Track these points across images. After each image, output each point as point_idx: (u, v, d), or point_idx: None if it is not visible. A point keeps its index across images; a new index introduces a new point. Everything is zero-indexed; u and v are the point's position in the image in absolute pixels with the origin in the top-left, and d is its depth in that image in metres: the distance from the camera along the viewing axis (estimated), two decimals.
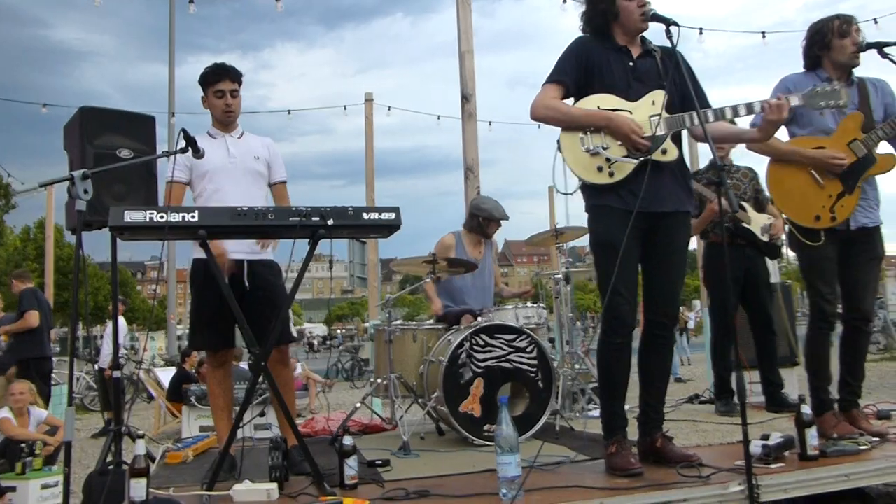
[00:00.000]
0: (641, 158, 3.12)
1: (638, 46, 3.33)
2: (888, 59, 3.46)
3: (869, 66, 3.69)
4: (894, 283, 21.66)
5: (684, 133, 3.33)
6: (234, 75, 3.86)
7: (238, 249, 3.69)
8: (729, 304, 5.01)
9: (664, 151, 3.17)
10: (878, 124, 3.67)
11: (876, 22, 8.17)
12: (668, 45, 3.10)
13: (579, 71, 3.26)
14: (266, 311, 3.59)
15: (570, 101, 3.30)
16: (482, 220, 5.55)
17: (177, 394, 8.07)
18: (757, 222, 5.15)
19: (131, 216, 2.82)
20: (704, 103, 3.29)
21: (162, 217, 2.85)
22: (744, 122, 3.51)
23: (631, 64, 3.27)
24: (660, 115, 3.16)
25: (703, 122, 3.08)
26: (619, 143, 3.15)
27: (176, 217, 2.86)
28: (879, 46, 3.51)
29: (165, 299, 20.47)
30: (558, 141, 3.21)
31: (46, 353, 7.65)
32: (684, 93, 3.19)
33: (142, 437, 2.90)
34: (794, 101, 3.22)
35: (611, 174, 3.14)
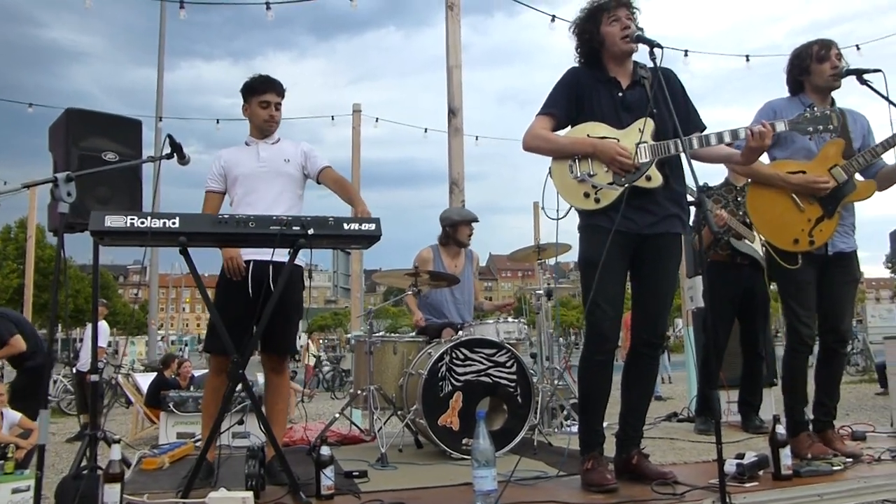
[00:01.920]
0: (626, 186, 3.16)
1: (628, 76, 3.37)
2: (867, 85, 3.51)
3: (851, 92, 3.75)
4: (874, 306, 21.87)
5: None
6: (279, 89, 3.96)
7: (263, 252, 3.62)
8: (720, 323, 5.04)
9: (648, 178, 3.21)
10: (859, 153, 3.72)
11: (858, 48, 8.29)
12: (657, 66, 3.14)
13: (570, 102, 3.33)
14: (277, 318, 3.54)
15: (565, 131, 3.35)
16: (449, 228, 5.56)
17: (155, 399, 8.01)
18: (759, 241, 5.18)
19: (112, 221, 2.81)
20: (696, 125, 3.35)
21: (143, 223, 2.84)
22: None
23: (620, 94, 3.32)
24: (644, 142, 3.20)
25: (687, 149, 3.12)
26: (606, 169, 3.20)
27: (157, 223, 2.85)
28: (858, 73, 3.56)
29: (147, 304, 20.33)
30: (549, 169, 3.29)
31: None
32: (679, 115, 3.20)
33: (117, 441, 2.88)
34: (780, 127, 3.26)
35: (597, 200, 3.20)
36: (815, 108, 3.30)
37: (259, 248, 3.69)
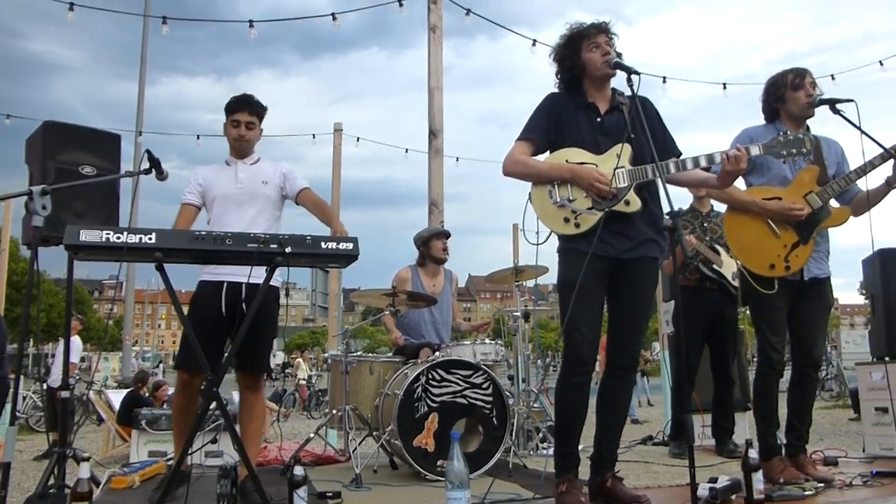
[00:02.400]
0: (605, 210, 3.19)
1: (606, 101, 3.42)
2: (839, 114, 3.57)
3: (826, 121, 3.82)
4: (848, 332, 22.10)
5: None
6: (252, 107, 3.96)
7: (237, 273, 3.62)
8: (691, 347, 5.07)
9: (627, 203, 3.25)
10: (833, 179, 3.78)
11: (833, 78, 8.47)
12: (635, 92, 3.18)
13: (549, 128, 3.36)
14: (251, 337, 3.52)
15: (544, 156, 3.38)
16: (422, 247, 5.56)
17: (127, 417, 7.89)
18: (729, 266, 5.22)
19: (87, 235, 2.78)
20: (672, 151, 3.39)
21: (118, 238, 2.81)
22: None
23: (598, 119, 3.37)
24: (622, 167, 3.24)
25: (663, 174, 3.16)
26: (585, 194, 3.24)
27: (133, 238, 2.83)
28: (831, 102, 3.62)
29: (122, 319, 20.10)
30: (529, 194, 3.32)
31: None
32: (655, 141, 3.23)
33: (87, 459, 2.83)
34: (754, 150, 3.32)
35: (576, 225, 3.23)
36: (789, 133, 3.36)
37: (236, 265, 3.68)
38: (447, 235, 5.64)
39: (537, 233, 3.33)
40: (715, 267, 5.15)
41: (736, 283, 5.20)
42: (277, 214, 3.96)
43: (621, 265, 3.27)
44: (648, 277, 3.39)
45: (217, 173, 3.94)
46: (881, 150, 3.58)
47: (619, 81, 3.36)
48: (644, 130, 3.14)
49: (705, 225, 5.23)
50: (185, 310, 3.62)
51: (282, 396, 16.92)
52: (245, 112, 3.95)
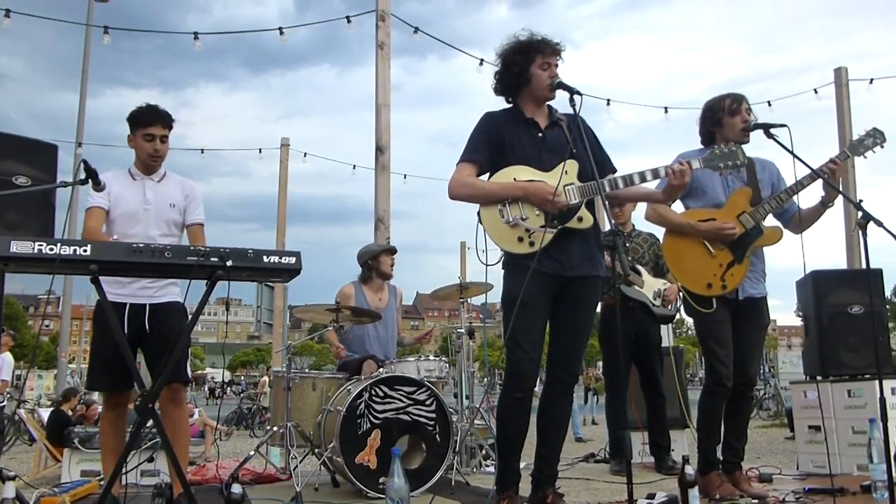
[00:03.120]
0: (558, 227, 3.21)
1: (545, 117, 3.44)
2: (773, 139, 3.69)
3: (763, 146, 3.95)
4: (785, 353, 22.71)
5: None
6: (166, 120, 3.78)
7: (139, 294, 3.67)
8: (620, 366, 5.16)
9: (580, 219, 3.28)
10: (765, 200, 3.90)
11: (770, 104, 8.76)
12: (572, 111, 3.23)
13: (491, 147, 3.35)
14: (163, 350, 3.49)
15: (486, 176, 3.38)
16: (371, 261, 5.52)
17: (57, 436, 7.64)
18: (650, 286, 5.34)
19: (18, 247, 2.69)
20: (610, 167, 3.45)
21: (51, 249, 2.73)
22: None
23: (540, 135, 3.38)
24: (572, 183, 3.27)
25: (612, 188, 3.23)
26: (538, 212, 3.23)
27: (67, 250, 2.75)
28: (765, 127, 3.74)
29: (58, 336, 19.46)
30: (478, 214, 3.28)
31: None
32: (594, 157, 3.29)
33: (12, 478, 2.73)
34: (695, 164, 3.41)
35: (531, 244, 3.22)
36: (723, 145, 3.46)
37: (175, 278, 3.63)
38: (394, 252, 5.63)
39: (486, 251, 3.32)
40: (636, 287, 5.25)
41: (657, 303, 5.33)
42: (180, 235, 3.86)
43: (567, 283, 3.29)
44: (591, 296, 3.43)
45: (123, 187, 3.75)
46: (809, 171, 3.71)
47: (556, 101, 3.41)
48: (585, 147, 3.19)
49: (626, 245, 5.34)
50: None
51: (246, 416, 16.60)
52: (159, 125, 3.76)
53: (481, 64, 7.32)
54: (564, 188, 3.25)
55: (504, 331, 3.28)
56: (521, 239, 3.23)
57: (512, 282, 3.29)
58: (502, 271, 3.41)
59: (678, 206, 4.01)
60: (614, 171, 3.47)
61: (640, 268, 5.31)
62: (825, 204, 3.84)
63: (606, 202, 3.19)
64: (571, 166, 3.31)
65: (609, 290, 5.25)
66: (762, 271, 4.00)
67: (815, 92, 9.00)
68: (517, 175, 3.29)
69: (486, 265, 3.33)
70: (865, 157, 3.83)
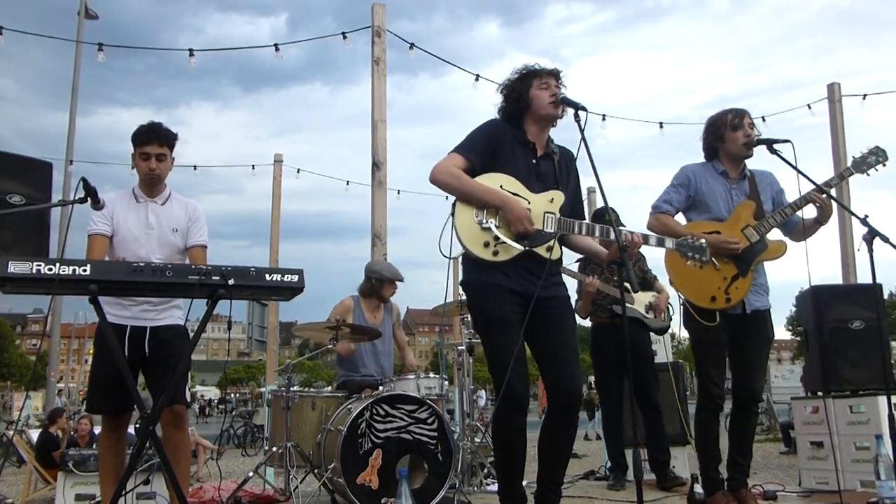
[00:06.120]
0: (527, 248, 3.17)
1: (543, 146, 3.41)
2: (776, 154, 3.69)
3: (763, 161, 3.95)
4: (777, 367, 22.75)
5: None
6: (163, 138, 3.71)
7: (140, 317, 3.65)
8: (611, 383, 5.15)
9: (549, 249, 3.23)
10: (768, 213, 3.90)
11: (764, 120, 8.77)
12: (575, 133, 3.19)
13: (486, 153, 3.29)
14: (166, 376, 3.46)
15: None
16: (375, 281, 5.50)
17: (46, 459, 7.55)
18: (640, 301, 5.35)
19: (16, 267, 2.64)
20: (578, 213, 3.46)
21: (50, 270, 2.68)
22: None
23: (534, 161, 3.36)
24: (553, 213, 3.26)
25: (588, 233, 3.26)
26: (510, 226, 3.17)
27: (66, 270, 2.69)
28: (769, 143, 3.74)
29: (47, 355, 19.29)
30: (453, 206, 3.22)
31: None
32: (569, 197, 3.33)
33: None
34: (668, 244, 3.39)
35: (495, 253, 3.15)
36: (693, 238, 3.41)
37: (176, 297, 3.59)
38: (400, 281, 5.59)
39: (451, 245, 3.24)
40: (627, 304, 5.22)
41: (650, 315, 5.32)
42: (181, 259, 3.80)
43: (539, 303, 3.16)
44: (569, 311, 3.39)
45: (126, 209, 3.71)
46: (814, 186, 3.71)
47: (556, 132, 3.42)
48: (567, 185, 3.19)
49: (612, 266, 5.27)
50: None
51: (239, 437, 16.48)
52: (154, 144, 3.69)
53: (477, 79, 7.30)
54: (545, 214, 3.23)
55: (487, 352, 3.23)
56: (486, 244, 3.15)
57: (489, 302, 3.21)
58: (464, 293, 3.37)
59: (680, 218, 4.00)
60: (582, 218, 3.43)
61: (626, 284, 5.27)
62: (819, 222, 3.85)
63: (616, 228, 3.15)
64: (558, 196, 3.30)
65: (598, 309, 5.29)
66: (763, 285, 3.97)
67: (809, 107, 9.04)
68: (504, 184, 3.23)
69: (449, 258, 3.25)
70: (868, 175, 3.84)
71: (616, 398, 5.33)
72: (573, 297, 5.24)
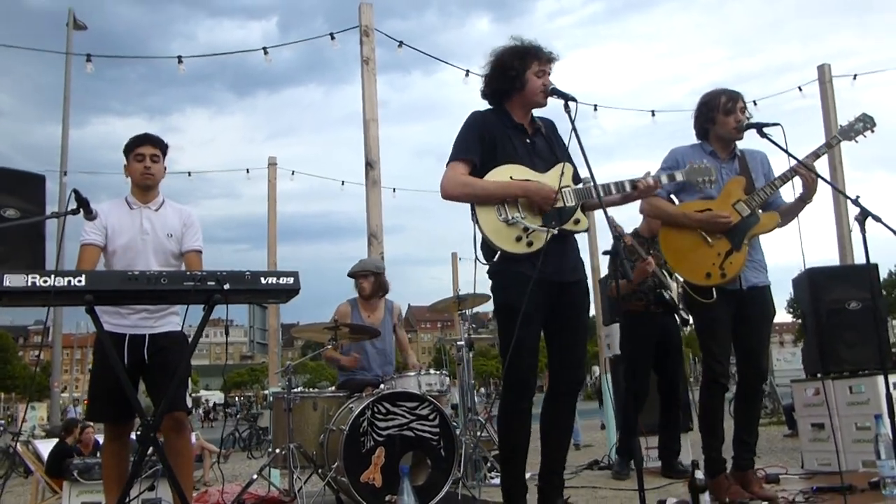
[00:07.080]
0: (558, 228, 3.19)
1: (530, 124, 3.43)
2: (766, 138, 3.70)
3: (752, 144, 3.96)
4: (778, 350, 22.77)
5: None
6: (155, 142, 3.80)
7: (139, 325, 3.66)
8: (640, 372, 5.14)
9: (577, 221, 3.28)
10: (759, 188, 3.90)
11: (755, 104, 8.76)
12: (565, 118, 3.20)
13: (483, 144, 3.30)
14: (166, 383, 3.47)
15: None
16: (354, 281, 5.54)
17: (57, 469, 7.55)
18: (675, 291, 5.32)
19: (11, 280, 2.65)
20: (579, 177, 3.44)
21: (45, 281, 2.68)
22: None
23: (528, 141, 3.37)
24: (567, 186, 3.27)
25: (607, 194, 3.24)
26: (535, 212, 3.20)
27: (61, 282, 2.70)
28: (759, 127, 3.75)
29: (49, 366, 19.30)
30: (473, 212, 3.23)
31: None
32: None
33: None
34: (663, 179, 3.49)
35: (529, 244, 3.18)
36: (695, 163, 3.56)
37: (173, 304, 3.60)
38: (370, 274, 5.52)
39: (475, 258, 3.29)
40: (668, 293, 5.23)
41: (682, 305, 5.30)
42: (178, 266, 3.82)
43: (561, 290, 3.26)
44: (585, 301, 3.42)
45: (120, 217, 3.73)
46: (796, 162, 3.73)
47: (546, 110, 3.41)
48: (566, 154, 3.22)
49: (651, 251, 5.24)
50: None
51: (244, 439, 16.44)
52: (148, 145, 3.77)
53: (467, 75, 7.29)
54: (561, 190, 3.23)
55: (502, 340, 3.25)
56: (518, 238, 3.18)
57: (509, 291, 3.24)
58: (490, 281, 3.36)
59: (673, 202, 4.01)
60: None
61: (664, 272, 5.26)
62: (804, 200, 3.84)
63: (607, 210, 3.18)
64: (567, 169, 3.31)
65: (633, 296, 5.22)
66: (760, 261, 3.96)
67: (800, 90, 9.04)
68: (514, 174, 3.25)
69: (485, 263, 3.28)
70: (857, 142, 3.85)
71: (644, 387, 5.28)
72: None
